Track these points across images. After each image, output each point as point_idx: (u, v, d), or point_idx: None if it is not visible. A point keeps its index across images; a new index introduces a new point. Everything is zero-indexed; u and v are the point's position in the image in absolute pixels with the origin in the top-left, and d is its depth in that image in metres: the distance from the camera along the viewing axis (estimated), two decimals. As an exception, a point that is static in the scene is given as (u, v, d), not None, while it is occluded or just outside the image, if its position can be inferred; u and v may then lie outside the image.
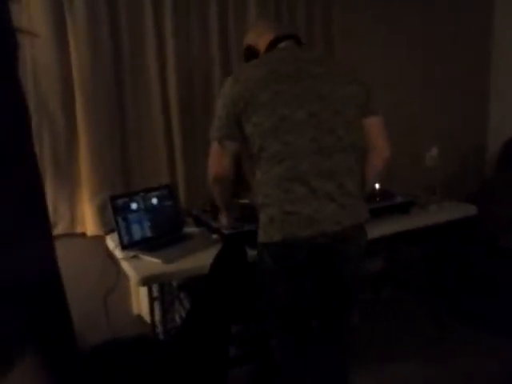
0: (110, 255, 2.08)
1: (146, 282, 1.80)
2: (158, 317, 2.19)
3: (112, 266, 2.05)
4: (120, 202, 2.00)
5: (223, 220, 1.96)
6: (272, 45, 1.67)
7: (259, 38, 1.74)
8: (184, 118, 2.41)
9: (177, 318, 2.24)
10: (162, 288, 2.07)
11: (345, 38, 2.81)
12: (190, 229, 2.21)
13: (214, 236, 2.02)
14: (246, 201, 2.26)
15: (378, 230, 2.20)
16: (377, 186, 2.54)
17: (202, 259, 1.81)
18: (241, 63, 2.00)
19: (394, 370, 2.33)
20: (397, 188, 2.55)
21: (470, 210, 2.49)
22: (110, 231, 2.18)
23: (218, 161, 1.63)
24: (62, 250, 2.25)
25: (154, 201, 2.12)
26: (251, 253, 1.81)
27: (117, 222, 1.96)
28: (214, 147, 1.63)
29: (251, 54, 1.76)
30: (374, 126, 1.70)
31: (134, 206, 2.04)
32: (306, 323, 1.77)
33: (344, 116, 1.60)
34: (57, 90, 2.13)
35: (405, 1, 3.08)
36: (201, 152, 2.49)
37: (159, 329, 2.16)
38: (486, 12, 3.48)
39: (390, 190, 2.49)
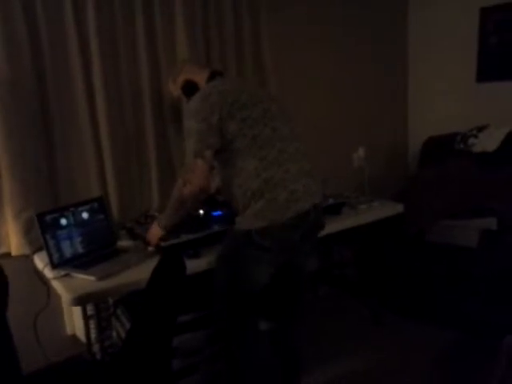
0: (39, 275, 1.97)
1: (80, 301, 1.73)
2: (94, 335, 2.11)
3: (42, 286, 1.94)
4: (48, 218, 1.90)
5: (155, 229, 1.93)
6: (211, 77, 1.93)
7: (195, 74, 1.98)
8: (113, 128, 2.32)
9: (114, 335, 2.17)
10: (97, 305, 2.00)
11: (271, 42, 2.86)
12: (125, 242, 2.14)
13: (150, 248, 1.97)
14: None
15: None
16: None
17: (137, 273, 1.77)
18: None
19: (335, 364, 2.41)
20: (328, 190, 2.63)
21: (398, 208, 2.62)
22: (37, 250, 2.07)
23: (203, 175, 1.72)
24: (-16, 274, 2.11)
25: (85, 215, 2.04)
26: (187, 263, 1.80)
27: (45, 240, 1.87)
28: (198, 163, 1.71)
29: (191, 86, 1.95)
30: None
31: (63, 221, 1.95)
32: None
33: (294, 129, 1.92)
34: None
35: (322, 7, 3.18)
36: (133, 163, 2.44)
37: (96, 347, 2.08)
38: (400, 12, 3.68)
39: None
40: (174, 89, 2.09)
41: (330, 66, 3.25)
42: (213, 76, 1.94)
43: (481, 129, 3.04)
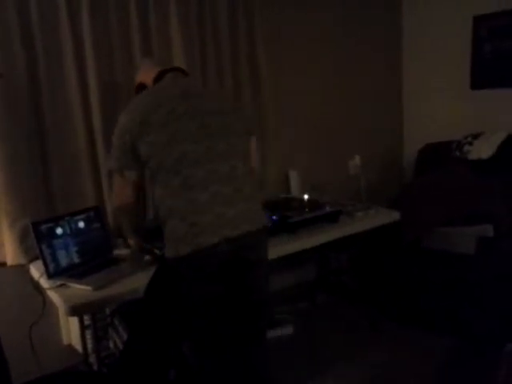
0: (35, 285, 1.96)
1: (77, 311, 1.72)
2: (90, 345, 2.10)
3: (38, 296, 1.93)
4: (43, 227, 1.89)
5: (132, 245, 1.93)
6: (158, 77, 1.76)
7: (147, 74, 1.83)
8: (109, 134, 2.30)
9: (111, 345, 2.16)
10: (93, 315, 1.99)
11: (266, 43, 2.87)
12: (121, 251, 2.13)
13: (147, 257, 1.97)
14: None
15: (309, 240, 2.27)
16: (306, 196, 2.62)
17: (134, 282, 1.76)
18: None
19: (333, 372, 2.39)
20: (325, 198, 2.64)
21: (394, 215, 2.63)
22: (33, 259, 2.06)
23: (121, 192, 1.68)
24: (-21, 282, 2.10)
25: (81, 224, 2.04)
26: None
27: (41, 250, 1.86)
28: (117, 179, 1.68)
29: (142, 90, 1.81)
30: (252, 146, 1.85)
31: (59, 231, 1.94)
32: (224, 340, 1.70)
33: (238, 147, 1.71)
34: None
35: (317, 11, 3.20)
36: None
37: (92, 358, 2.07)
38: (394, 21, 3.71)
39: (318, 200, 2.57)
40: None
41: (326, 73, 3.27)
42: (161, 75, 1.75)
43: (476, 136, 3.06)
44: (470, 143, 3.03)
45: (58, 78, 2.21)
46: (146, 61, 2.00)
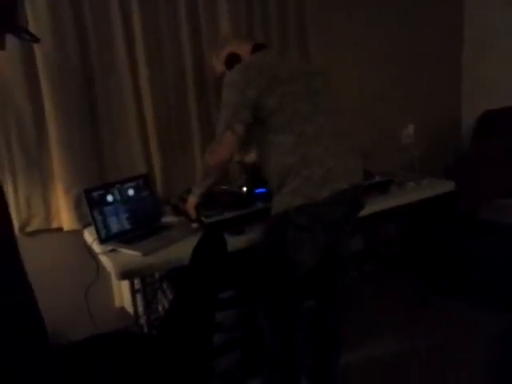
0: (89, 249, 2.04)
1: (127, 275, 1.77)
2: (141, 308, 2.17)
3: (91, 261, 2.01)
4: (95, 194, 1.95)
5: (191, 199, 1.95)
6: (255, 49, 1.89)
7: (239, 46, 1.95)
8: (157, 105, 2.34)
9: (160, 308, 2.22)
10: (143, 280, 2.05)
11: (315, 12, 2.77)
12: (169, 218, 2.17)
13: (194, 225, 1.99)
14: (225, 187, 2.25)
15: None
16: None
17: (182, 249, 1.79)
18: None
19: (378, 346, 2.37)
20: (375, 167, 2.55)
21: (448, 185, 2.51)
22: (87, 225, 2.13)
23: (229, 148, 1.73)
24: (38, 247, 2.24)
25: (131, 192, 2.08)
26: (230, 240, 1.81)
27: (93, 216, 1.92)
28: (226, 135, 1.71)
29: (235, 59, 1.91)
30: None
31: (109, 198, 1.99)
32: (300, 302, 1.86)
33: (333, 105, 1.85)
34: (22, 82, 2.05)
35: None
36: (177, 139, 2.46)
37: (143, 320, 2.15)
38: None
39: (368, 170, 2.49)
40: (217, 64, 2.06)
41: (379, 37, 3.11)
42: (256, 49, 1.90)
43: (542, 101, 2.85)
44: (535, 109, 2.83)
45: (108, 51, 2.23)
46: (234, 38, 2.21)
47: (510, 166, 2.64)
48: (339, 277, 2.00)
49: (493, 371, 2.11)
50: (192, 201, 1.95)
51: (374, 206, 2.27)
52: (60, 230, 2.26)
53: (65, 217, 2.22)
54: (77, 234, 2.23)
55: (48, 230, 2.24)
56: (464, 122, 3.66)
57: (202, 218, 1.96)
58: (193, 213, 1.96)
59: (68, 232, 2.25)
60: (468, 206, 2.72)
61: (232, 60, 1.92)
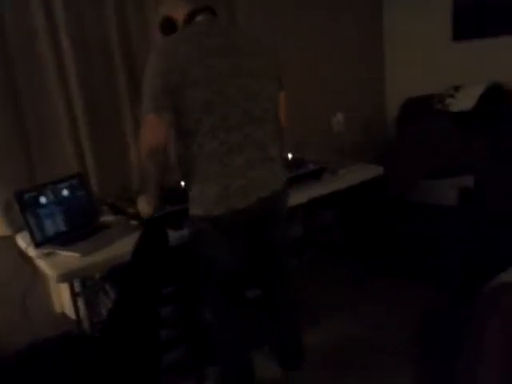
0: (23, 255, 1.96)
1: (66, 278, 1.73)
2: (82, 312, 2.13)
3: (26, 267, 1.94)
4: (27, 196, 1.88)
5: (145, 206, 1.77)
6: (190, 17, 1.70)
7: (175, 9, 1.75)
8: (87, 102, 2.27)
9: (103, 310, 2.19)
10: (84, 282, 2.01)
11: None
12: (107, 217, 2.14)
13: (133, 222, 1.97)
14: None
15: (294, 197, 2.27)
16: (289, 155, 2.62)
17: (122, 247, 1.77)
18: (157, 34, 1.94)
19: (320, 327, 2.46)
20: (308, 155, 2.64)
21: (377, 170, 2.65)
22: (19, 230, 2.05)
23: (153, 132, 1.59)
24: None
25: (65, 192, 2.03)
26: (173, 234, 1.82)
27: (26, 219, 1.85)
28: (149, 119, 1.58)
29: (169, 25, 1.76)
30: (282, 100, 1.90)
31: (43, 199, 1.93)
32: (240, 291, 1.92)
33: (268, 89, 1.75)
34: None
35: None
36: (109, 137, 2.40)
37: (85, 324, 2.10)
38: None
39: (302, 158, 2.58)
40: (157, 20, 1.87)
41: (307, 29, 3.20)
42: (193, 14, 1.70)
43: (457, 88, 3.06)
44: (452, 95, 3.04)
45: (30, 41, 2.13)
46: None
47: (431, 150, 2.82)
48: (277, 265, 2.05)
49: (431, 346, 2.26)
50: (149, 211, 1.77)
51: (309, 193, 2.35)
52: (-11, 237, 2.16)
53: (-6, 223, 2.12)
54: (8, 241, 2.13)
55: (-24, 239, 2.13)
56: (388, 109, 3.86)
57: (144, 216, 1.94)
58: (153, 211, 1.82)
59: (-2, 238, 2.16)
60: (397, 189, 2.88)
61: (167, 25, 1.77)
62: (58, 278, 1.68)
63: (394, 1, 3.62)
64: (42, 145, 2.23)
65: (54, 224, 1.95)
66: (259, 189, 1.74)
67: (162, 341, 1.99)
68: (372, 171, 2.65)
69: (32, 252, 1.87)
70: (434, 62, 3.46)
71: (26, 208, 1.86)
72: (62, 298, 2.36)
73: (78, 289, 2.10)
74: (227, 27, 1.89)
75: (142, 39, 2.41)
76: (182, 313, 2.21)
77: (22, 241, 1.99)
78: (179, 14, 1.73)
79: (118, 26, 2.32)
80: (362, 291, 2.79)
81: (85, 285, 2.06)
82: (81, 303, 2.11)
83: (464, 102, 2.95)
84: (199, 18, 1.70)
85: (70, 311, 2.29)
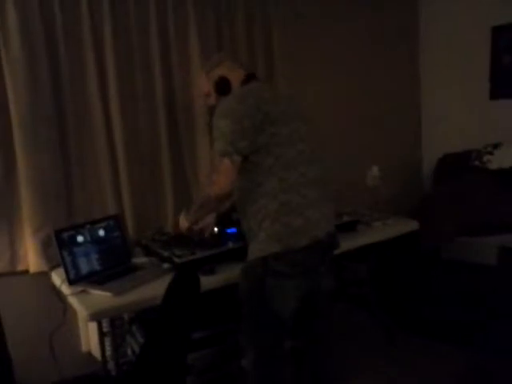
0: (56, 292, 1.99)
1: (97, 316, 1.74)
2: (109, 352, 2.11)
3: (58, 304, 1.96)
4: (65, 235, 1.93)
5: (183, 221, 1.95)
6: (247, 79, 1.84)
7: (231, 72, 1.87)
8: (129, 146, 2.37)
9: (129, 352, 2.17)
10: (112, 322, 2.01)
11: (284, 61, 2.91)
12: (140, 259, 2.15)
13: (165, 265, 1.99)
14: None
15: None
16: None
17: (153, 290, 1.77)
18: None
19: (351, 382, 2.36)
20: (342, 208, 2.63)
21: (412, 225, 2.60)
22: (54, 267, 2.09)
23: (230, 178, 1.68)
24: (2, 290, 2.16)
25: (101, 232, 2.07)
26: (202, 280, 1.81)
27: (62, 257, 1.89)
28: (225, 163, 1.66)
29: (225, 84, 1.85)
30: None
31: (80, 238, 1.97)
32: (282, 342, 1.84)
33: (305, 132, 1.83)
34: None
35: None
36: (148, 180, 2.47)
37: (111, 364, 2.08)
38: (412, 30, 3.72)
39: (336, 211, 2.56)
40: (204, 82, 1.94)
41: (343, 82, 3.27)
42: (249, 78, 1.85)
43: (496, 146, 3.03)
44: (491, 153, 3.01)
45: (81, 97, 2.28)
46: (227, 59, 1.98)
47: (469, 207, 2.77)
48: (318, 315, 1.97)
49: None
50: (183, 222, 1.95)
51: (342, 245, 2.31)
52: (26, 272, 2.21)
53: (31, 259, 2.18)
54: (43, 277, 2.17)
55: (13, 273, 2.19)
56: (425, 164, 3.84)
57: (174, 258, 1.96)
58: (184, 229, 1.96)
59: (34, 274, 2.20)
60: (431, 245, 2.82)
61: (222, 85, 1.86)
62: (89, 316, 1.68)
63: (432, 58, 3.68)
64: (84, 186, 2.32)
65: (88, 263, 1.98)
66: (328, 223, 1.79)
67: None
68: (407, 225, 2.61)
69: (65, 289, 1.89)
70: (471, 120, 3.47)
71: (63, 246, 1.90)
72: (90, 338, 2.36)
73: (106, 328, 2.09)
74: (278, 91, 2.21)
75: (184, 86, 2.52)
76: (211, 359, 2.16)
77: (57, 277, 2.02)
78: (235, 77, 1.85)
79: (163, 72, 2.45)
80: (391, 349, 2.67)
81: (113, 325, 2.06)
82: (108, 343, 2.10)
83: (503, 159, 2.92)
84: (253, 82, 1.85)
85: (96, 351, 2.28)
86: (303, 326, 1.95)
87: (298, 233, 1.67)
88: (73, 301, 1.82)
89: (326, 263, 1.88)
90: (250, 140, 1.64)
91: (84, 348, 2.39)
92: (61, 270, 1.93)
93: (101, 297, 1.77)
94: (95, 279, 1.91)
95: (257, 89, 1.79)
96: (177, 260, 1.94)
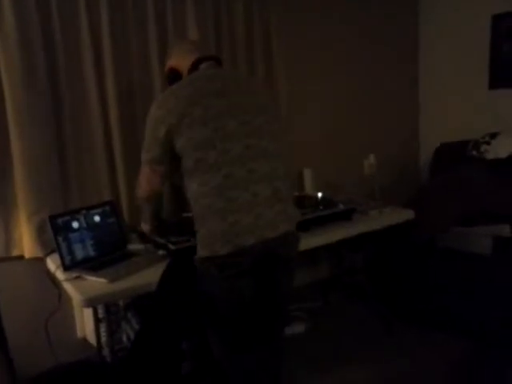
0: (51, 277, 1.99)
1: (91, 302, 1.74)
2: (104, 338, 2.12)
3: (53, 289, 1.96)
4: (60, 221, 1.92)
5: (145, 227, 2.07)
6: (194, 66, 1.71)
7: (181, 60, 1.77)
8: (124, 131, 2.35)
9: (124, 338, 2.18)
10: (107, 308, 2.01)
11: (281, 46, 2.89)
12: (135, 245, 2.15)
13: (161, 252, 1.99)
14: (190, 214, 2.25)
15: (322, 237, 2.27)
16: (319, 194, 2.61)
17: (148, 276, 1.77)
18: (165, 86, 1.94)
19: (344, 373, 2.38)
20: (339, 196, 2.63)
21: (408, 214, 2.61)
22: (50, 252, 2.09)
23: (148, 183, 1.69)
24: (-3, 275, 2.15)
25: (97, 218, 2.06)
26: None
27: (57, 243, 1.89)
28: (145, 169, 1.67)
29: (174, 76, 1.78)
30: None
31: (75, 224, 1.97)
32: (247, 336, 1.70)
33: (271, 125, 1.67)
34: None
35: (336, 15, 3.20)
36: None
37: (106, 351, 2.09)
38: (411, 20, 3.69)
39: (332, 199, 2.56)
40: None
41: (342, 72, 3.26)
42: (197, 63, 1.70)
43: (493, 135, 3.02)
44: (488, 142, 3.00)
45: (77, 82, 2.26)
46: (182, 45, 1.90)
47: (465, 197, 2.76)
48: (273, 320, 1.81)
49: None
50: (146, 229, 2.07)
51: (338, 233, 2.33)
52: (21, 257, 2.21)
53: (26, 244, 2.17)
54: (38, 262, 2.17)
55: (8, 258, 2.18)
56: (422, 153, 3.83)
57: (169, 245, 1.96)
58: (154, 235, 2.05)
59: (29, 260, 2.20)
60: (427, 234, 2.82)
61: (172, 78, 1.78)
62: (83, 302, 1.69)
63: (431, 46, 3.66)
64: (79, 172, 2.30)
65: (83, 249, 1.98)
66: (266, 228, 1.57)
67: (183, 374, 1.97)
68: (403, 215, 2.61)
69: (60, 275, 1.89)
70: (469, 109, 3.45)
71: (58, 231, 1.90)
72: (85, 324, 2.37)
73: (101, 315, 2.10)
74: (229, 71, 2.07)
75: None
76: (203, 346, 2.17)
77: (52, 263, 2.02)
78: (184, 65, 1.74)
79: (160, 67, 2.41)
80: (387, 338, 2.69)
81: (108, 311, 2.06)
82: (103, 329, 2.11)
83: (500, 149, 2.91)
84: (203, 66, 1.71)
85: (91, 337, 2.29)
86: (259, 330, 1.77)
87: (245, 232, 1.53)
88: (67, 287, 1.82)
89: (282, 265, 1.71)
90: (164, 149, 1.58)
91: (79, 334, 2.40)
92: (56, 256, 1.93)
93: (96, 283, 1.77)
94: (90, 265, 1.91)
95: (198, 79, 1.65)
96: (172, 247, 1.94)
